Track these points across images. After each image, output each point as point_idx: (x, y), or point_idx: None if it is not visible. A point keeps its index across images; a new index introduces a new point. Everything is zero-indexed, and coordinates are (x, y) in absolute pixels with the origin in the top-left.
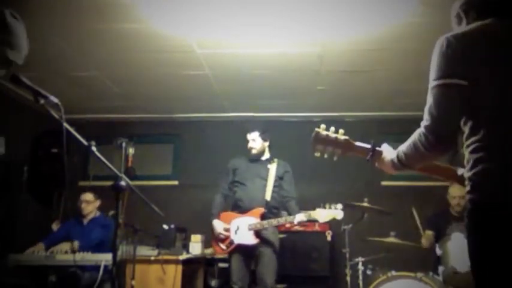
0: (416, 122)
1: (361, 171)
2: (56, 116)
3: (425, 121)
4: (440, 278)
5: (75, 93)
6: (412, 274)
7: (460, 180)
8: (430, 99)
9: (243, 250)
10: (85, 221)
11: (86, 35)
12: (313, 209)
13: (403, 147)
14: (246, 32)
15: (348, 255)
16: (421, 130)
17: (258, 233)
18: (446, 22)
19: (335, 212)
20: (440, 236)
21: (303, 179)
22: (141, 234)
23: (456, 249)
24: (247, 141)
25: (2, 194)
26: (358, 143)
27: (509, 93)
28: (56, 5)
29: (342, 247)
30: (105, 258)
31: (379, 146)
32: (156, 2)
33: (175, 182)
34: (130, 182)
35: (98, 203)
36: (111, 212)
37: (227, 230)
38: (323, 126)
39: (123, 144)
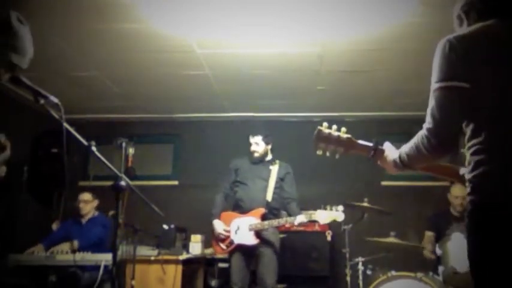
0: (416, 122)
1: (361, 172)
2: (56, 116)
3: (428, 124)
4: (440, 278)
5: (75, 93)
6: (412, 274)
7: (462, 179)
8: (432, 102)
9: (243, 250)
10: (83, 221)
11: (86, 35)
12: (314, 209)
13: (406, 148)
14: (246, 32)
15: (348, 255)
16: (423, 133)
17: (258, 234)
18: (446, 22)
19: (336, 214)
20: (440, 236)
21: (303, 179)
22: (141, 234)
23: (456, 249)
24: (250, 144)
25: (2, 194)
26: (360, 141)
27: (509, 94)
28: (56, 5)
29: (342, 247)
30: (105, 258)
31: (382, 145)
32: (156, 2)
33: (175, 182)
34: (130, 182)
35: (96, 202)
36: (111, 212)
37: (227, 231)
38: (325, 124)
39: (123, 144)
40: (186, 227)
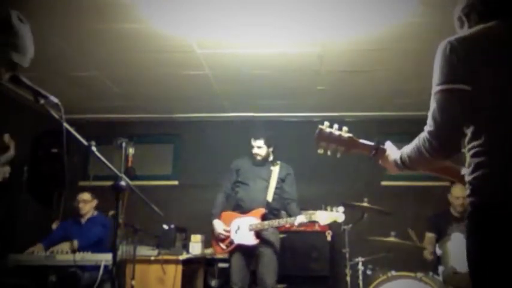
0: (416, 122)
1: (361, 172)
2: (56, 116)
3: (429, 126)
4: (440, 278)
5: (75, 93)
6: (412, 274)
7: (463, 179)
8: (433, 105)
9: (243, 250)
10: (83, 221)
11: (86, 35)
12: (314, 209)
13: (407, 149)
14: (246, 32)
15: (348, 255)
16: (424, 135)
17: (258, 234)
18: (446, 22)
19: (336, 215)
20: (440, 236)
21: (302, 179)
22: (141, 234)
23: (456, 249)
24: (252, 147)
25: (2, 194)
26: (362, 140)
27: (509, 94)
28: (56, 5)
29: (342, 247)
30: (105, 258)
31: (383, 144)
32: (156, 2)
33: (175, 182)
34: (131, 182)
35: (95, 202)
36: (111, 212)
37: (227, 231)
38: (327, 123)
39: (123, 144)
40: (186, 227)
